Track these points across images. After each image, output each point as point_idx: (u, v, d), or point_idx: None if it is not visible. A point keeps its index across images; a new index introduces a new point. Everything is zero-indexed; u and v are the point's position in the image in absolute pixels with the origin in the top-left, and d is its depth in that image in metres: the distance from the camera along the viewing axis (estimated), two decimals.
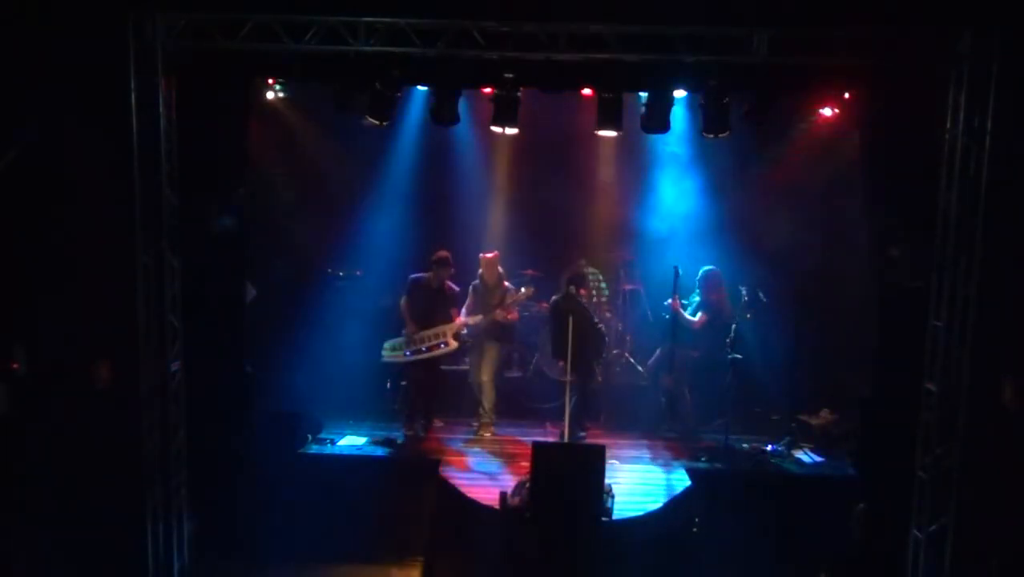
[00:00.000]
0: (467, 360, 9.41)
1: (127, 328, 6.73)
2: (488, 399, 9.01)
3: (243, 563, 7.34)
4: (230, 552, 7.39)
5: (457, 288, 8.94)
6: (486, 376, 8.97)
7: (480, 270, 8.97)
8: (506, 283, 8.99)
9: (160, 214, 6.73)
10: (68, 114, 6.78)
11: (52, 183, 6.93)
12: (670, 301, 8.79)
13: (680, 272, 8.75)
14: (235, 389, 7.72)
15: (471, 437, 8.87)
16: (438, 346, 8.73)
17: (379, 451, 8.30)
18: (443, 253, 8.79)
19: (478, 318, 8.83)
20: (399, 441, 8.58)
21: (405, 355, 8.78)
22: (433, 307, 8.77)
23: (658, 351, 9.34)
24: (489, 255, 8.95)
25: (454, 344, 8.81)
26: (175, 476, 7.02)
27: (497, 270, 8.94)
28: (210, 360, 7.38)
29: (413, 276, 8.91)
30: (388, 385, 9.36)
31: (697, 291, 9.02)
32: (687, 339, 8.90)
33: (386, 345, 8.91)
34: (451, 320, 8.77)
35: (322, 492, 7.67)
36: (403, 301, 8.87)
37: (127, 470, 6.83)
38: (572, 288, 8.61)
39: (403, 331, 8.84)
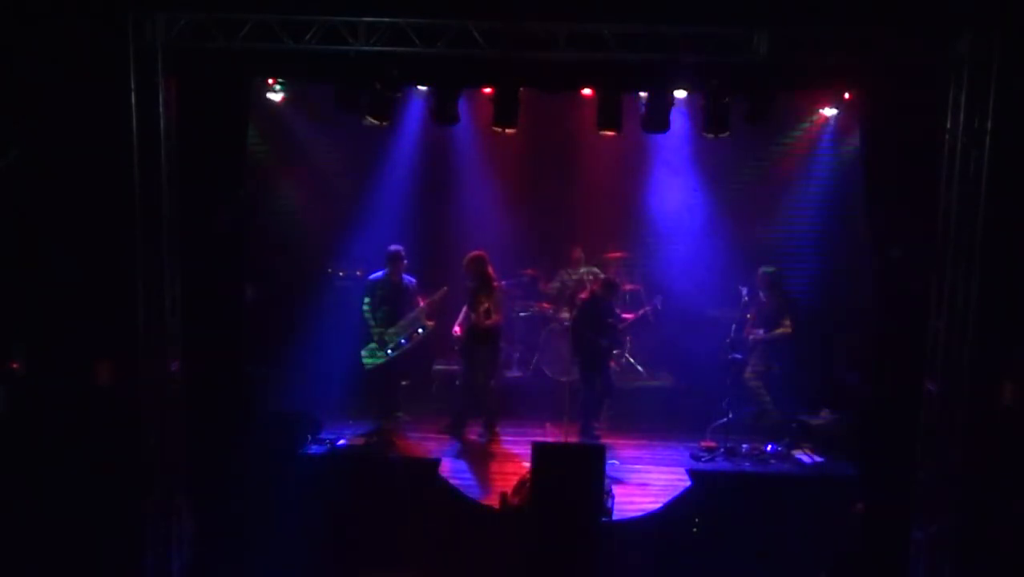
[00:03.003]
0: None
1: (127, 328, 6.73)
2: (485, 404, 8.87)
3: (243, 563, 7.33)
4: (230, 552, 7.38)
5: (414, 279, 8.87)
6: (479, 380, 8.80)
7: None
8: (495, 284, 8.75)
9: (160, 214, 6.73)
10: (68, 113, 6.78)
11: (52, 183, 6.93)
12: (756, 334, 8.85)
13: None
14: (235, 389, 7.71)
15: (472, 438, 8.84)
16: (417, 332, 8.69)
17: (379, 451, 8.29)
18: (394, 248, 8.75)
19: (443, 290, 8.76)
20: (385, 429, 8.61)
21: (388, 354, 8.73)
22: (396, 303, 8.75)
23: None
24: (472, 254, 8.78)
25: (431, 323, 8.78)
26: (175, 476, 7.01)
27: (476, 269, 8.67)
28: (210, 360, 7.38)
29: (370, 277, 8.87)
30: (404, 384, 9.35)
31: (760, 295, 8.93)
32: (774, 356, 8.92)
33: (364, 353, 8.81)
34: (418, 307, 8.75)
35: (322, 492, 7.67)
36: (365, 304, 8.80)
37: (127, 470, 6.83)
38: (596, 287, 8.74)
39: (372, 334, 8.74)
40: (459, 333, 8.86)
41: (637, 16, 6.56)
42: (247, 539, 7.44)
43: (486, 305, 8.63)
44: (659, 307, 9.53)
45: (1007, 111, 6.34)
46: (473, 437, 8.82)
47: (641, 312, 9.67)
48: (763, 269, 8.99)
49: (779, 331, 8.86)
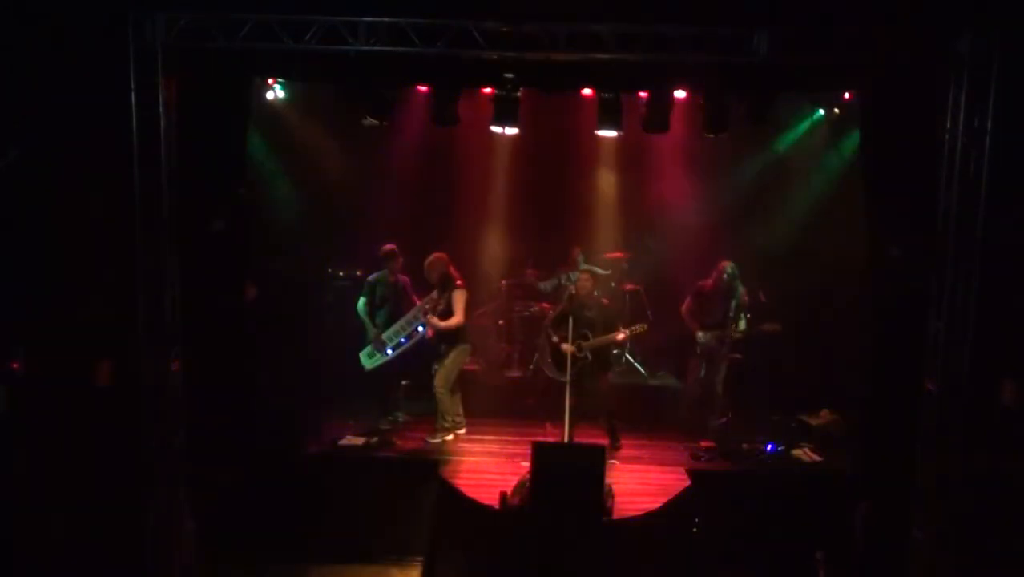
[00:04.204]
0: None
1: (127, 328, 6.74)
2: (443, 408, 8.66)
3: (243, 563, 7.33)
4: (230, 552, 7.38)
5: (408, 279, 8.83)
6: (439, 383, 8.60)
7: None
8: (459, 283, 8.56)
9: (160, 214, 6.73)
10: (68, 114, 6.78)
11: (52, 183, 6.93)
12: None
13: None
14: (235, 389, 7.72)
15: (470, 437, 8.83)
16: (416, 331, 8.62)
17: (379, 451, 8.29)
18: (389, 246, 8.71)
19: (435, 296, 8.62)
20: (385, 429, 8.58)
21: (388, 354, 8.68)
22: (395, 302, 8.72)
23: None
24: (432, 256, 8.67)
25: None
26: (175, 476, 7.01)
27: (437, 270, 8.54)
28: (210, 360, 7.38)
29: (368, 279, 8.84)
30: (404, 383, 9.32)
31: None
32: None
33: (363, 356, 8.77)
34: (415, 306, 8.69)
35: (322, 492, 7.67)
36: (362, 304, 8.75)
37: (127, 470, 6.83)
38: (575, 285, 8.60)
39: (370, 336, 8.72)
40: (431, 335, 8.77)
41: (637, 16, 6.56)
42: (247, 539, 7.44)
43: (442, 305, 8.51)
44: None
45: (1007, 111, 6.34)
46: (472, 437, 8.82)
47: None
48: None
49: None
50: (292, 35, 6.58)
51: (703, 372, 9.01)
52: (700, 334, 8.93)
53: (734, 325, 8.78)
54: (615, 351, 9.92)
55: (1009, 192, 6.51)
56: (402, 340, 8.64)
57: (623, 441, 8.63)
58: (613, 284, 10.43)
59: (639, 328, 8.55)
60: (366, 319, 8.74)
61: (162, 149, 6.67)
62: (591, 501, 6.92)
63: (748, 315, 8.94)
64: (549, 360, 8.80)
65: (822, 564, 6.86)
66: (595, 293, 8.79)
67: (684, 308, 9.07)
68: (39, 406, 6.97)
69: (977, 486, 6.70)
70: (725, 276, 8.80)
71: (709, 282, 8.94)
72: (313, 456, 8.18)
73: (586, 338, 8.24)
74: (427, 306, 8.54)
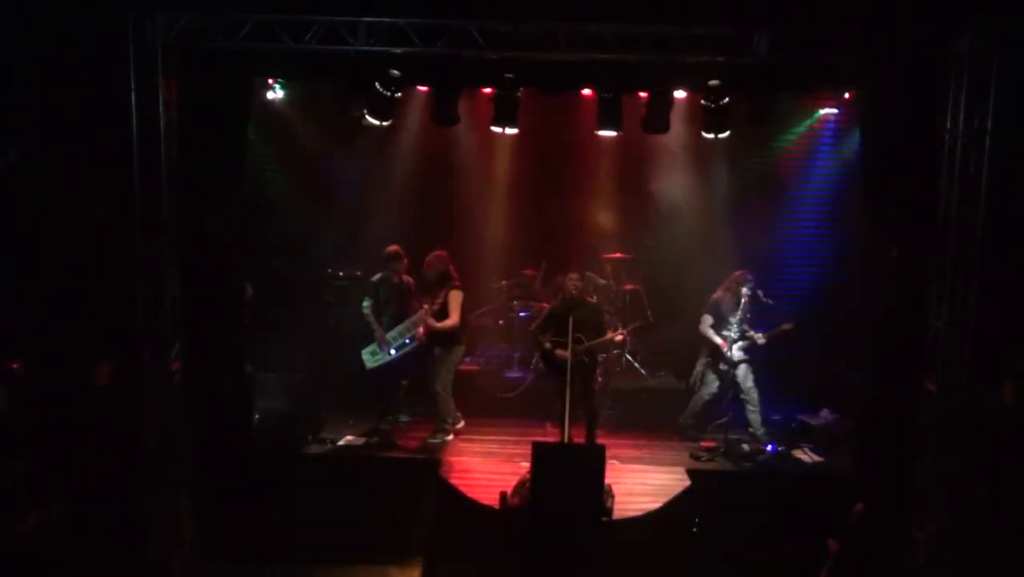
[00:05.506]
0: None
1: (127, 328, 6.74)
2: (443, 409, 8.61)
3: (243, 563, 7.33)
4: (230, 552, 7.38)
5: (411, 280, 8.78)
6: (438, 385, 8.54)
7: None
8: (457, 284, 8.45)
9: (160, 214, 6.73)
10: (68, 114, 6.78)
11: (52, 183, 6.93)
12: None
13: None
14: (235, 389, 7.72)
15: (470, 437, 8.83)
16: (419, 334, 8.60)
17: (379, 451, 8.29)
18: (393, 247, 8.69)
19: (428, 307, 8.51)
20: (385, 429, 8.57)
21: (392, 354, 8.66)
22: (400, 303, 8.70)
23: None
24: (433, 253, 8.59)
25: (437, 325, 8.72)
26: (175, 476, 7.02)
27: (436, 269, 8.47)
28: (210, 360, 7.38)
29: (374, 279, 8.84)
30: (404, 384, 9.30)
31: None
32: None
33: (365, 353, 8.72)
34: (420, 308, 8.58)
35: (322, 492, 7.67)
36: (367, 305, 8.72)
37: (127, 470, 6.83)
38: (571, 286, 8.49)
39: (374, 336, 8.70)
40: (425, 336, 8.70)
41: (637, 16, 6.57)
42: (247, 539, 7.45)
43: (437, 306, 8.42)
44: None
45: (1007, 111, 6.35)
46: (472, 437, 8.82)
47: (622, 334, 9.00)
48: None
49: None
50: (292, 35, 6.59)
51: (717, 386, 8.73)
52: (732, 348, 8.59)
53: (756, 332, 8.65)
54: (615, 351, 9.91)
55: (1009, 192, 6.51)
56: (406, 341, 8.63)
57: (622, 441, 8.63)
58: (614, 289, 10.38)
59: (636, 325, 8.43)
60: (371, 319, 8.71)
61: (162, 149, 6.68)
62: (591, 501, 6.92)
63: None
64: (540, 364, 8.71)
65: (832, 555, 6.83)
66: (590, 294, 8.69)
67: (704, 325, 8.74)
68: (39, 406, 6.97)
69: (977, 486, 6.70)
70: (745, 289, 8.52)
71: (721, 292, 8.74)
72: (313, 456, 8.18)
73: (580, 341, 7.91)
74: (431, 311, 8.50)
